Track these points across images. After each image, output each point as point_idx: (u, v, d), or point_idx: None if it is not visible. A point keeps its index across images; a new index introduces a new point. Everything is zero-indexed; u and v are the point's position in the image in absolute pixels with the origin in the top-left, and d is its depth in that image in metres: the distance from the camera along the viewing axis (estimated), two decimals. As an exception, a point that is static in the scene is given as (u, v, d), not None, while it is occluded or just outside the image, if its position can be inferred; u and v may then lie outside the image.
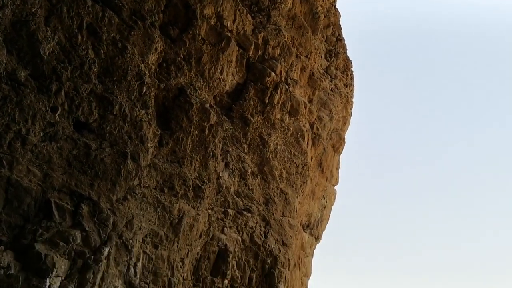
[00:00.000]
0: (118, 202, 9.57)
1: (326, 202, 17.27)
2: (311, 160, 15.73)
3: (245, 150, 13.36)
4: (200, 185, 11.61)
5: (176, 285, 10.75)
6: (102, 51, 9.50)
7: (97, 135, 9.32)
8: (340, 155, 17.52)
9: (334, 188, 17.66)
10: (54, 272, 7.95)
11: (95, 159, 9.15)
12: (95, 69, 9.36)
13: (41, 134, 8.35)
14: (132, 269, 9.68)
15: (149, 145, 10.31)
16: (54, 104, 8.62)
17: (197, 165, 11.64)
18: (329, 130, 16.56)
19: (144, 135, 10.20)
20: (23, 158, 8.02)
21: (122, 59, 9.83)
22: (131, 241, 9.72)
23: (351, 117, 17.78)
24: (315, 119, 15.73)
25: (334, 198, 17.77)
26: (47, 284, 7.82)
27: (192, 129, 11.42)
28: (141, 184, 10.15)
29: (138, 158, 10.01)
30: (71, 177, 8.77)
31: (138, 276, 9.83)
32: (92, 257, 8.77)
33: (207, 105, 11.87)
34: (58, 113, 8.65)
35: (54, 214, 8.30)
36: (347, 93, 17.33)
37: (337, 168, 17.59)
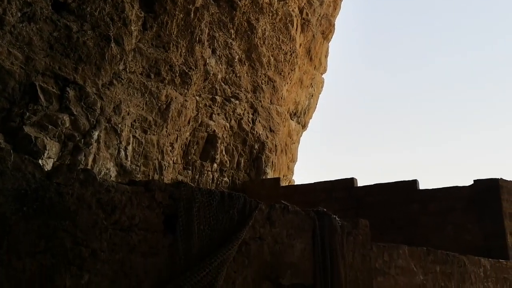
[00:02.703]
0: (104, 87, 9.50)
1: (314, 90, 17.30)
2: (300, 47, 15.44)
3: (232, 36, 13.01)
4: (187, 71, 11.48)
5: (166, 168, 11.12)
6: None
7: (77, 17, 8.93)
8: (329, 42, 17.17)
9: (322, 76, 17.59)
10: (45, 154, 8.13)
11: (77, 42, 8.87)
12: None
13: (19, 15, 7.96)
14: (122, 152, 9.92)
15: (132, 28, 9.96)
16: (29, -18, 8.11)
17: (183, 51, 11.39)
18: (319, 15, 16.03)
19: (127, 17, 9.80)
20: (2, 40, 7.73)
21: None
22: (120, 125, 9.83)
23: (342, 2, 17.11)
24: (304, 3, 15.15)
25: (322, 87, 17.77)
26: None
27: (177, 12, 10.96)
28: (127, 69, 9.99)
29: (122, 42, 9.73)
30: (54, 60, 8.56)
31: (129, 159, 10.11)
32: (82, 140, 8.91)
33: (192, -14, 11.28)
34: (34, -9, 8.18)
35: (40, 97, 8.24)
36: (339, -24, 16.50)
37: (326, 56, 17.36)
